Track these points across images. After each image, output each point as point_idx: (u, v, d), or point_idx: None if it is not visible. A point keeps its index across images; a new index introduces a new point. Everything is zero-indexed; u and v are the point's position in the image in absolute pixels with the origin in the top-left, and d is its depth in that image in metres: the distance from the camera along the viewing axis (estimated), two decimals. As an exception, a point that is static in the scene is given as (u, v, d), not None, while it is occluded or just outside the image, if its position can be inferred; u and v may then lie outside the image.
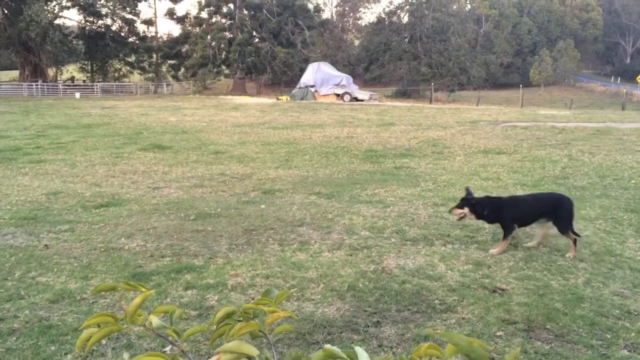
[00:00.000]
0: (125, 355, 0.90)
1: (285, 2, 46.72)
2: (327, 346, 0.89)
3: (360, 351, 0.85)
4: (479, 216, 5.83)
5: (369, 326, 4.04)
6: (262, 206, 7.62)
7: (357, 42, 63.87)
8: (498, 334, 3.92)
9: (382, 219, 6.91)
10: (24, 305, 4.35)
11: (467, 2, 64.26)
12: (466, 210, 5.80)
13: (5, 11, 42.15)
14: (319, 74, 37.45)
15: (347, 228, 6.50)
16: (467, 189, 5.98)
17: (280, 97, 37.55)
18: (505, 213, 5.78)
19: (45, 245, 5.92)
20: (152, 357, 0.86)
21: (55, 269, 5.18)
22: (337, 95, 36.27)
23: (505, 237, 5.68)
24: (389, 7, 57.36)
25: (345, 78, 37.89)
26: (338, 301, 4.46)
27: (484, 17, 62.24)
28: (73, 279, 4.92)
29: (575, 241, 5.55)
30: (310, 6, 51.91)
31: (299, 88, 37.70)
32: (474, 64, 52.55)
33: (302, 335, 3.85)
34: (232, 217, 7.05)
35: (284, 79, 48.19)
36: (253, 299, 4.51)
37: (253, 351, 0.86)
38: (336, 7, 66.46)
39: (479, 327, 4.06)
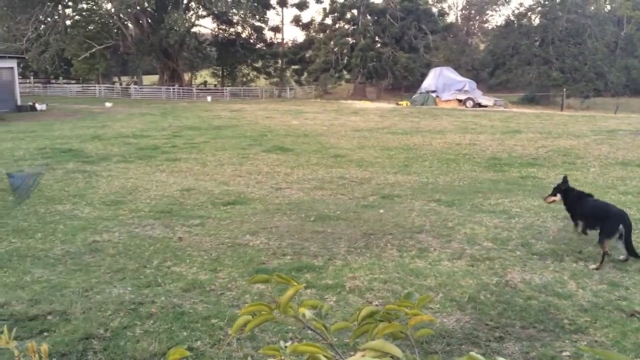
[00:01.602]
0: (282, 343, 0.95)
1: (409, 6, 46.35)
2: (472, 353, 0.87)
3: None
4: (566, 204, 6.15)
5: (490, 340, 3.88)
6: (381, 211, 7.62)
7: (482, 46, 61.69)
8: (637, 362, 3.60)
9: (506, 230, 6.61)
10: (160, 292, 4.71)
11: (607, 2, 59.67)
12: (557, 197, 6.20)
13: (149, 20, 46.03)
14: (441, 79, 36.71)
15: (469, 238, 6.31)
16: (564, 177, 6.33)
17: (400, 102, 37.31)
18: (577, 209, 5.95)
19: (179, 237, 6.38)
20: (310, 347, 0.90)
21: (187, 260, 5.56)
22: (460, 100, 35.30)
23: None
24: (518, 9, 54.81)
25: (468, 83, 36.80)
26: (458, 312, 4.34)
27: (626, 19, 57.36)
28: (203, 271, 5.25)
29: (605, 254, 5.41)
30: (435, 10, 51.08)
31: (420, 93, 37.20)
32: (612, 69, 48.55)
33: (419, 344, 3.79)
34: (351, 220, 7.13)
35: (404, 84, 47.79)
36: (371, 302, 4.52)
37: (397, 351, 0.87)
38: (461, 10, 64.76)
39: (613, 352, 3.74)
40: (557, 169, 11.06)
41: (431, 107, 34.27)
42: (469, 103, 34.86)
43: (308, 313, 0.98)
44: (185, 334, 3.94)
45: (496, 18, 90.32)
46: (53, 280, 4.96)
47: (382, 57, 46.12)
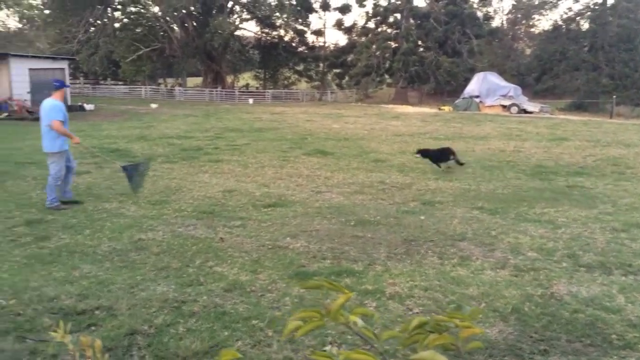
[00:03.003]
0: (328, 347, 0.95)
1: (454, 10, 45.81)
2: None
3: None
4: None
5: (534, 353, 3.80)
6: (422, 217, 7.55)
7: (528, 51, 60.39)
8: (691, 383, 3.45)
9: (551, 240, 6.45)
10: (202, 291, 4.79)
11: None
12: None
13: (195, 24, 46.99)
14: (484, 84, 36.11)
15: (512, 247, 6.18)
16: None
17: (442, 107, 36.89)
18: None
19: (221, 238, 6.48)
20: (361, 355, 0.91)
21: (229, 261, 5.63)
22: (504, 106, 34.63)
23: None
24: (567, 13, 53.56)
25: (513, 89, 36.06)
26: (500, 323, 4.26)
27: (683, 23, 55.13)
28: (244, 272, 5.31)
29: None
30: (480, 14, 50.34)
31: (463, 98, 36.69)
32: (665, 76, 46.76)
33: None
34: (391, 226, 7.09)
35: (447, 88, 47.19)
36: (411, 310, 4.49)
37: (450, 364, 0.86)
38: (507, 14, 63.52)
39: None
40: (605, 179, 10.73)
41: (474, 112, 33.75)
42: (514, 109, 34.17)
43: (360, 321, 0.98)
44: (226, 333, 4.00)
45: (543, 22, 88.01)
46: (100, 276, 5.11)
47: (424, 61, 45.73)
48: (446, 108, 36.24)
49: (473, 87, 37.09)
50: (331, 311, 0.97)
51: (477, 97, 36.10)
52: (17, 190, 9.15)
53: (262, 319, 4.22)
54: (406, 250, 6.05)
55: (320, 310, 0.99)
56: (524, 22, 62.94)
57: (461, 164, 11.59)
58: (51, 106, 8.02)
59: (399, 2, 48.71)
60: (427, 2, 49.59)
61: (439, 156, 11.52)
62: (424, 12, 48.04)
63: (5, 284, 4.84)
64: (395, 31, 49.71)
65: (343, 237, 6.56)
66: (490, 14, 54.52)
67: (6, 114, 23.83)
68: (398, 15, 49.40)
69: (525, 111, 33.91)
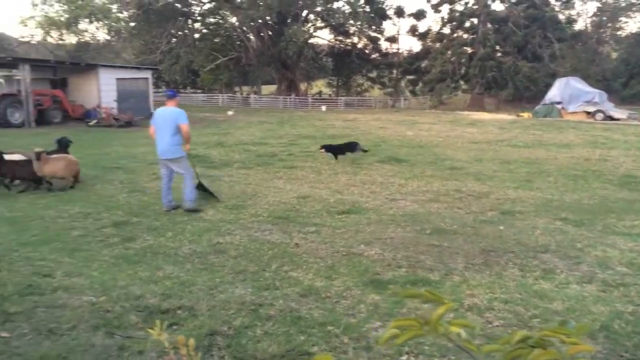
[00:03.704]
0: (405, 357, 0.93)
1: (534, 14, 44.15)
2: None
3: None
4: None
5: (626, 375, 3.57)
6: (501, 227, 7.31)
7: (614, 55, 57.22)
8: None
9: (643, 255, 6.05)
10: (278, 295, 4.86)
11: None
12: None
13: (270, 33, 48.08)
14: (567, 90, 34.51)
15: (600, 261, 5.85)
16: None
17: (521, 114, 35.62)
18: None
19: (296, 243, 6.55)
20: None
21: (304, 266, 5.68)
22: (588, 113, 32.95)
23: None
24: (658, 14, 50.46)
25: (598, 94, 34.24)
26: (588, 340, 4.03)
27: None
28: (319, 277, 5.34)
29: None
30: (562, 17, 48.25)
31: (543, 104, 35.25)
32: None
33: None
34: (469, 236, 6.91)
35: (526, 94, 45.44)
36: (491, 323, 4.35)
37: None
38: (592, 17, 60.51)
39: None
40: None
41: (556, 119, 32.36)
42: (599, 116, 32.45)
43: (463, 333, 0.95)
44: (302, 338, 4.03)
45: (631, 25, 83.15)
46: (182, 277, 5.30)
47: (502, 66, 44.38)
48: (525, 115, 34.97)
49: (554, 92, 35.55)
50: (431, 321, 0.95)
51: (559, 103, 34.57)
52: (105, 193, 9.68)
53: (337, 325, 4.22)
54: (485, 261, 5.87)
55: (419, 320, 0.97)
56: (609, 24, 59.70)
57: (365, 151, 13.70)
58: (178, 112, 8.24)
59: (475, 7, 47.63)
60: (506, 5, 48.11)
61: (344, 148, 13.34)
62: (502, 16, 46.63)
63: (96, 282, 5.12)
64: (471, 36, 48.61)
65: (418, 246, 6.46)
66: (573, 16, 52.16)
67: (95, 121, 25.30)
68: (475, 20, 48.27)
69: (611, 118, 32.13)
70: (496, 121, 29.52)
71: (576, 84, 35.82)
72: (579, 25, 55.26)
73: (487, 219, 7.84)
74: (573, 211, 8.26)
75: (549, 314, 4.47)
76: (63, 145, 10.83)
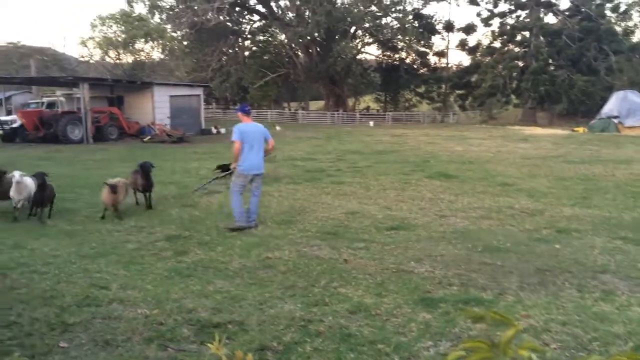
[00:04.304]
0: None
1: (589, 26, 42.93)
2: None
3: None
4: None
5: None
6: (557, 246, 7.06)
7: (676, 67, 54.85)
8: None
9: None
10: (327, 312, 4.83)
11: None
12: None
13: (318, 49, 48.60)
14: (625, 104, 33.27)
15: (665, 283, 5.56)
16: None
17: (576, 129, 34.56)
18: None
19: (345, 259, 6.52)
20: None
21: (353, 283, 5.64)
22: (647, 127, 31.70)
23: None
24: None
25: (657, 108, 32.91)
26: (654, 367, 3.82)
27: None
28: (368, 294, 5.29)
29: None
30: (619, 29, 46.70)
31: (600, 119, 34.10)
32: None
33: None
34: (523, 254, 6.70)
35: (581, 108, 44.06)
36: (548, 345, 4.18)
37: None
38: (651, 28, 58.34)
39: None
40: None
41: (613, 134, 31.20)
42: (659, 130, 31.10)
43: (535, 357, 0.92)
44: (352, 355, 3.98)
45: (694, 35, 79.61)
46: (232, 291, 5.35)
47: (555, 80, 43.24)
48: (580, 129, 33.92)
49: (611, 106, 34.34)
50: (500, 344, 0.92)
51: (616, 117, 33.36)
52: (158, 207, 9.92)
53: (387, 344, 4.16)
54: (540, 281, 5.68)
55: (488, 342, 0.94)
56: (670, 35, 57.31)
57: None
58: (264, 128, 8.46)
59: (527, 20, 46.76)
60: (559, 18, 47.02)
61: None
62: (555, 29, 45.57)
63: (149, 295, 5.24)
64: (523, 50, 47.69)
65: (470, 264, 6.31)
66: (631, 28, 50.34)
67: (149, 137, 26.11)
68: (526, 33, 47.35)
69: (672, 132, 30.72)
70: (550, 136, 28.72)
71: (634, 97, 34.50)
72: (637, 37, 53.28)
73: (541, 237, 7.59)
74: (633, 230, 7.90)
75: (609, 337, 4.27)
76: (145, 170, 9.89)
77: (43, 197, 8.87)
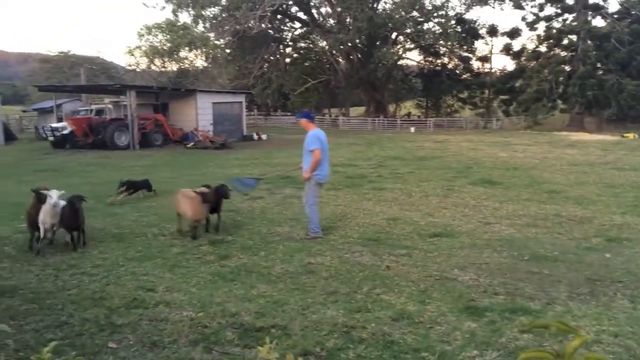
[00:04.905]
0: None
1: (639, 29, 41.53)
2: None
3: None
4: None
5: None
6: (607, 255, 6.83)
7: None
8: None
9: None
10: (370, 318, 4.81)
11: None
12: None
13: (359, 55, 48.56)
14: (677, 108, 32.10)
15: None
16: None
17: (626, 135, 33.38)
18: None
19: (387, 266, 6.47)
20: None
21: (396, 289, 5.60)
22: (702, 133, 30.38)
23: None
24: None
25: None
26: None
27: None
28: (411, 301, 5.23)
29: None
30: (671, 31, 44.93)
31: (651, 124, 32.95)
32: None
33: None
34: (571, 263, 6.51)
35: (631, 114, 42.52)
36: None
37: None
38: None
39: None
40: None
41: (666, 139, 30.02)
42: None
43: (603, 369, 0.88)
44: (395, 363, 3.94)
45: None
46: (275, 296, 5.39)
47: (604, 84, 41.86)
48: (631, 135, 32.75)
49: (664, 111, 33.07)
50: (565, 354, 0.89)
51: (669, 122, 32.09)
52: (202, 212, 10.07)
53: (432, 352, 4.10)
54: (590, 291, 5.50)
55: (552, 352, 0.91)
56: None
57: (153, 191, 11.88)
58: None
59: (574, 24, 45.51)
60: (607, 21, 45.58)
61: (139, 185, 11.65)
62: (604, 32, 44.17)
63: (194, 298, 5.32)
64: (570, 54, 46.35)
65: (516, 272, 6.17)
66: (686, 29, 48.37)
67: (192, 143, 26.60)
68: (574, 37, 46.07)
69: None
70: (598, 142, 27.83)
71: (688, 101, 33.12)
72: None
73: (591, 245, 7.36)
74: (690, 240, 7.57)
75: (666, 352, 4.10)
76: (220, 193, 8.39)
77: (77, 221, 7.23)
